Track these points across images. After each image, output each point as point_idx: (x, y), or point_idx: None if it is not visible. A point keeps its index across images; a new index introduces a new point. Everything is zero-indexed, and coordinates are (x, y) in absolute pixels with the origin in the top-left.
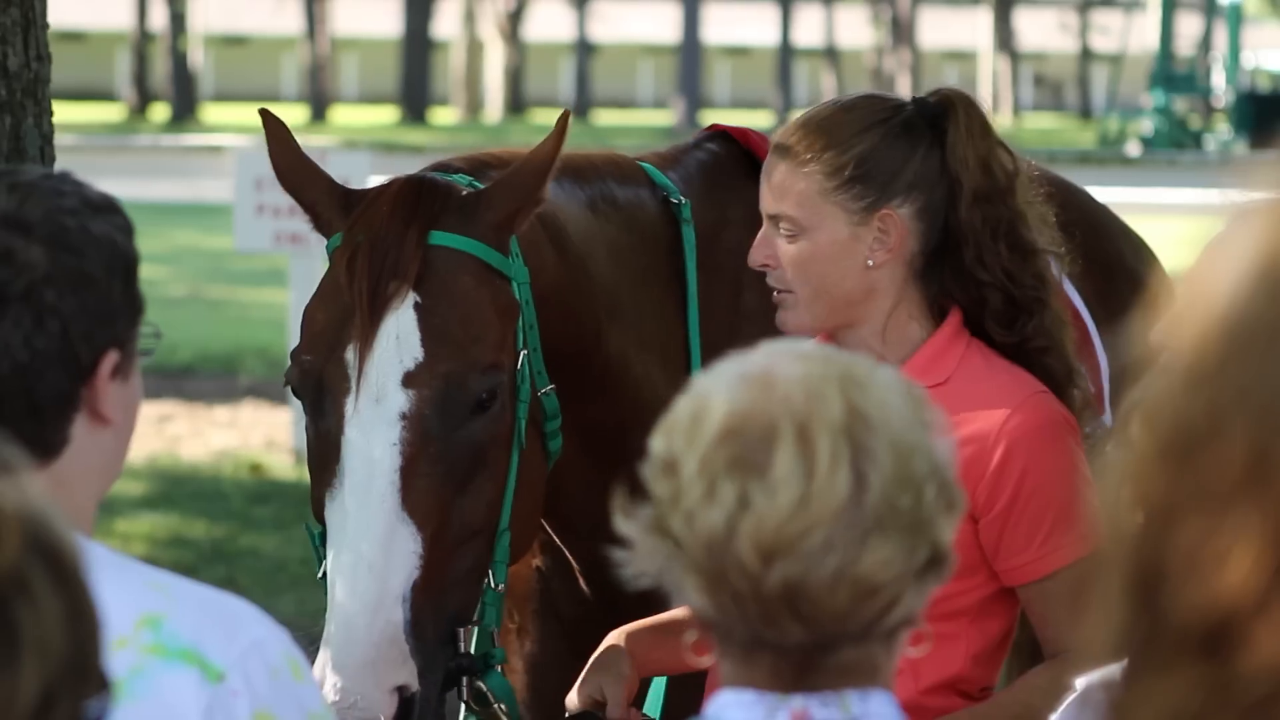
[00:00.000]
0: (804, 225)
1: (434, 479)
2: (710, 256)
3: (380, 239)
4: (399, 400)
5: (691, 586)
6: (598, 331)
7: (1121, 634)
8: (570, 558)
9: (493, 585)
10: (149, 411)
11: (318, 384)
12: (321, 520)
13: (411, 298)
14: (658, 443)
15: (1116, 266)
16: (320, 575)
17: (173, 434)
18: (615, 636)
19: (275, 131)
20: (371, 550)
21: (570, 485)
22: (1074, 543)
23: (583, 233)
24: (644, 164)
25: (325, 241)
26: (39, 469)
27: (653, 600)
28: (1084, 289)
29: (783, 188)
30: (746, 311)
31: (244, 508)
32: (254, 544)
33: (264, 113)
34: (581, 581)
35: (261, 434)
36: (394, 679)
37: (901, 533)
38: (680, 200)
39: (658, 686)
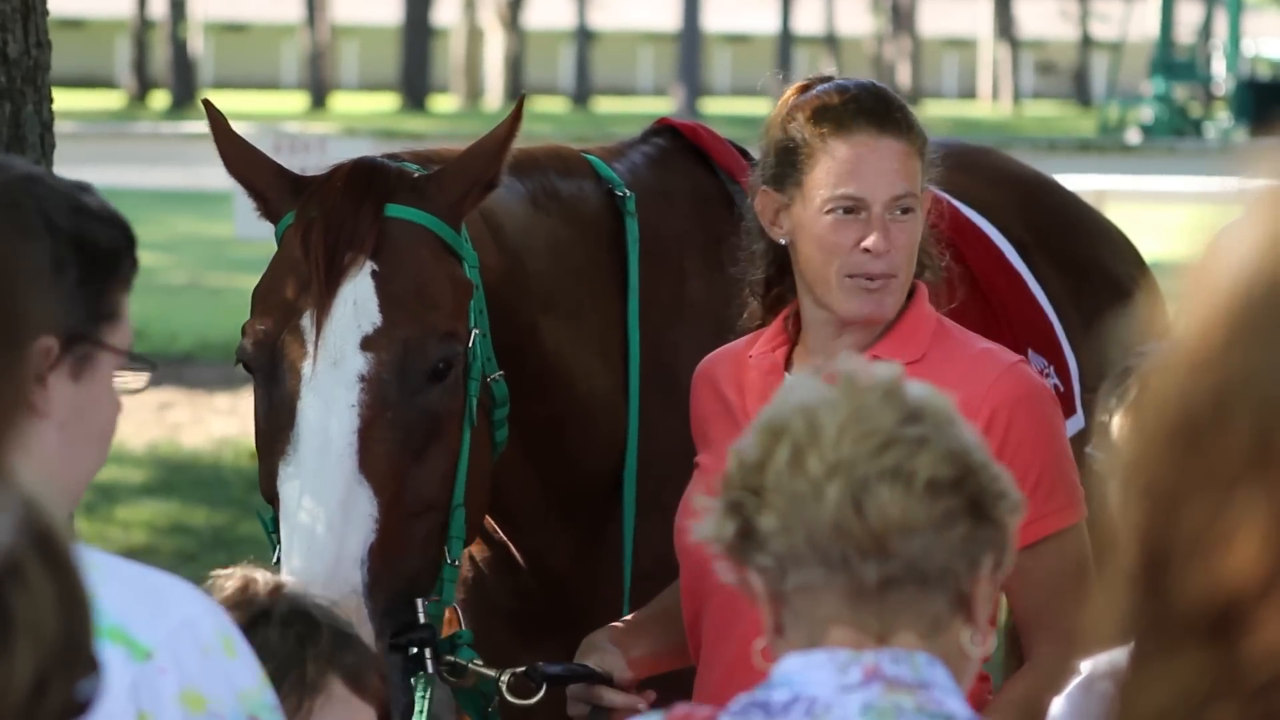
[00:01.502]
0: (915, 205)
1: (391, 444)
2: (655, 248)
3: (335, 213)
4: (357, 363)
5: (771, 526)
6: (533, 326)
7: (1127, 618)
8: (514, 551)
9: (449, 561)
10: (149, 399)
11: (272, 352)
12: (272, 499)
13: (369, 266)
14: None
15: (1092, 269)
16: (275, 559)
17: (173, 421)
18: (592, 635)
19: (217, 121)
20: (330, 510)
21: (512, 479)
22: (1050, 516)
23: (520, 227)
24: (589, 156)
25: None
26: None
27: (598, 591)
28: (1055, 290)
29: (906, 167)
30: (690, 301)
31: (244, 495)
32: (254, 531)
33: (206, 103)
34: (524, 575)
35: None
36: None
37: (953, 456)
38: (625, 193)
39: None
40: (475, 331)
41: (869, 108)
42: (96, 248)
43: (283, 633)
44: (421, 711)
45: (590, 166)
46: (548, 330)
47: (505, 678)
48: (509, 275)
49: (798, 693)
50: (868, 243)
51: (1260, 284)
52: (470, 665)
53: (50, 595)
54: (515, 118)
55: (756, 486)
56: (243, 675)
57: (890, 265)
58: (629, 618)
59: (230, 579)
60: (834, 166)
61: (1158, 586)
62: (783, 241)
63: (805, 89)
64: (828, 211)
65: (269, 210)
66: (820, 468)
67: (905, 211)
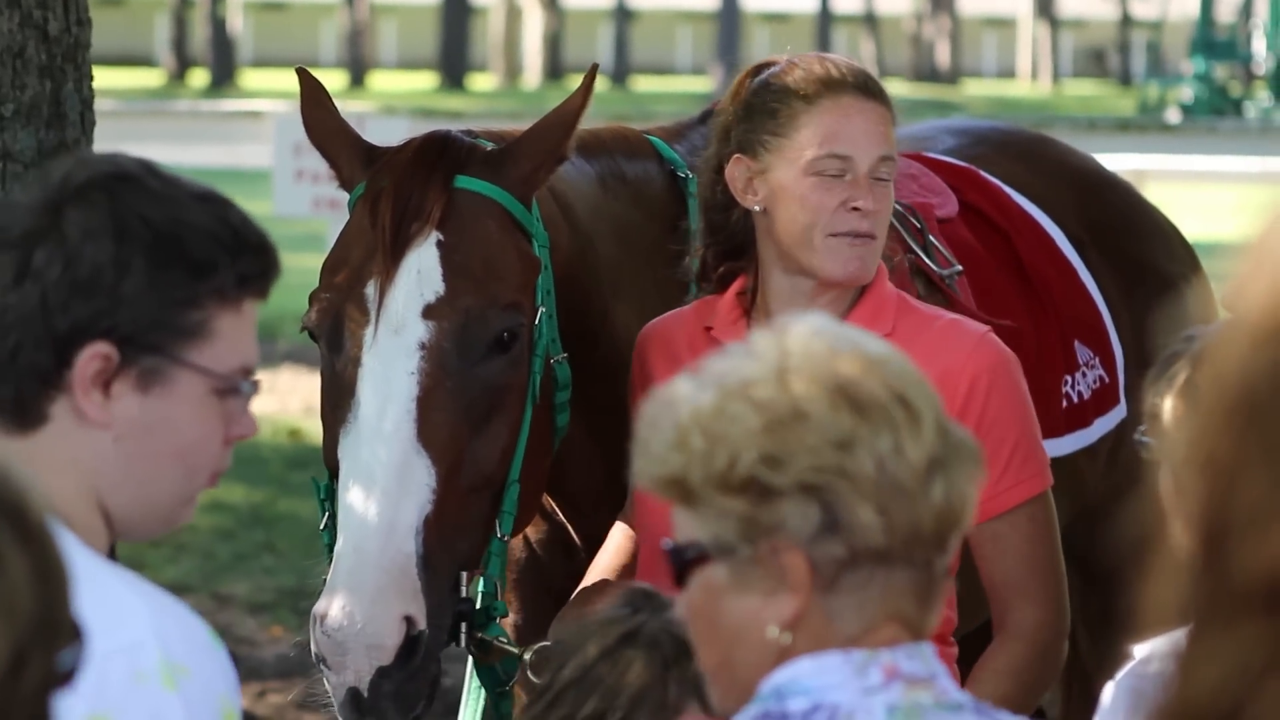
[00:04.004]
0: (893, 172)
1: (451, 413)
2: None
3: (404, 184)
4: (418, 331)
5: (870, 520)
6: (605, 310)
7: (1186, 594)
8: (573, 533)
9: (499, 535)
10: None
11: (336, 320)
12: (333, 465)
13: (434, 236)
14: (766, 391)
15: (1147, 268)
16: (322, 527)
17: None
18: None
19: (311, 90)
20: (386, 477)
21: (576, 463)
22: (1025, 482)
23: (590, 210)
24: (651, 138)
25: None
26: (12, 435)
27: None
28: (1108, 287)
29: (888, 133)
30: None
31: (282, 473)
32: (293, 509)
33: (301, 72)
34: (581, 557)
35: (300, 399)
36: (403, 607)
37: (971, 439)
38: (687, 174)
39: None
40: (541, 310)
41: (852, 72)
42: (179, 256)
43: (649, 655)
44: (476, 697)
45: (653, 148)
46: (618, 314)
47: (529, 655)
48: (582, 258)
49: (817, 700)
50: (859, 202)
51: None
52: (495, 642)
53: (23, 570)
54: (586, 90)
55: (844, 470)
56: (172, 710)
57: (874, 225)
58: (599, 580)
59: (617, 594)
60: (822, 127)
61: (1216, 561)
62: (757, 209)
63: (760, 69)
64: (814, 173)
65: (343, 180)
66: (922, 460)
67: (883, 178)
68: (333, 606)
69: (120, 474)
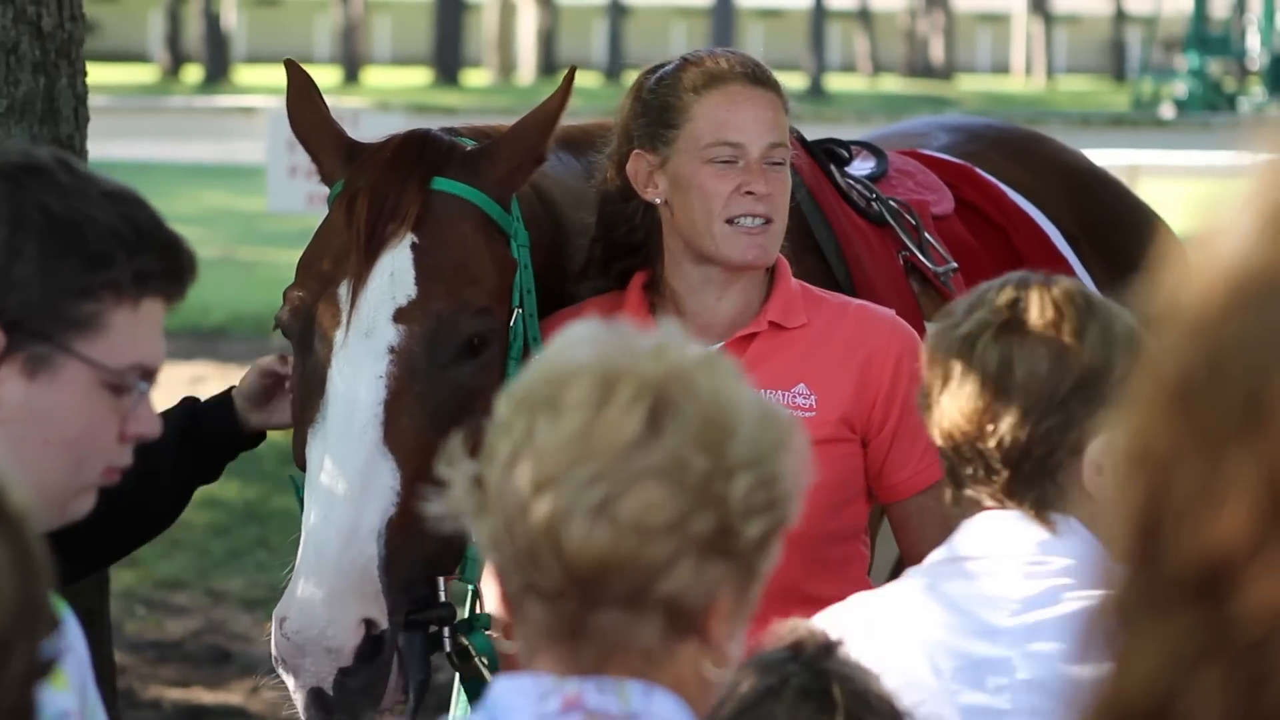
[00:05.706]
0: (786, 158)
1: (419, 418)
2: None
3: (381, 183)
4: (388, 334)
5: (481, 526)
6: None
7: (1120, 586)
8: None
9: (474, 540)
10: (182, 373)
11: (307, 320)
12: (302, 464)
13: (409, 238)
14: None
15: (1138, 265)
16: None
17: (206, 395)
18: None
19: (298, 83)
20: (349, 480)
21: None
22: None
23: (575, 204)
24: None
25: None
26: None
27: None
28: (1102, 281)
29: (778, 119)
30: None
31: (276, 468)
32: (286, 505)
33: (290, 64)
34: None
35: None
36: (363, 610)
37: (683, 489)
38: None
39: None
40: (518, 310)
41: (739, 61)
42: (75, 247)
43: (792, 711)
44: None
45: None
46: None
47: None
48: (568, 251)
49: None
50: (751, 185)
51: (1259, 251)
52: (476, 661)
53: (4, 559)
54: (565, 91)
55: (482, 479)
56: None
57: (770, 209)
58: None
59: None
60: (713, 116)
61: (1150, 552)
62: (657, 201)
63: (657, 69)
64: (708, 161)
65: (324, 175)
66: (529, 483)
67: (777, 163)
68: (292, 609)
69: (6, 459)
